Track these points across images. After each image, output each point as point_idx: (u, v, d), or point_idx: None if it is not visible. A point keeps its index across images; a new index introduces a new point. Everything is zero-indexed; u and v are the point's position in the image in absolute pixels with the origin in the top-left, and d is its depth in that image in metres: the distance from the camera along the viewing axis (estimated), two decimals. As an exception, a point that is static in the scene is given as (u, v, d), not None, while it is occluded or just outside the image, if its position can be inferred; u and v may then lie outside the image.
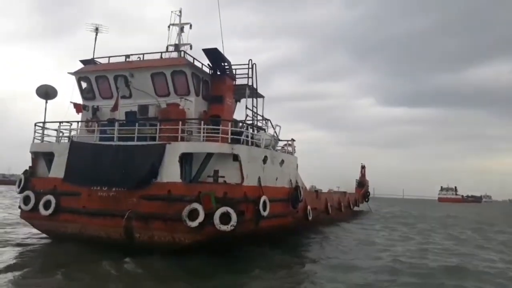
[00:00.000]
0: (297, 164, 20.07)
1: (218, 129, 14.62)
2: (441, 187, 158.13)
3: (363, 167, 48.54)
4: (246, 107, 17.53)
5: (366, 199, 45.28)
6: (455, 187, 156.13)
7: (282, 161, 17.47)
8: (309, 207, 20.59)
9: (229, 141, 14.29)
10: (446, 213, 51.17)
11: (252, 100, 17.83)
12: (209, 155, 14.53)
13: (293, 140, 20.12)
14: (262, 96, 19.59)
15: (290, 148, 19.95)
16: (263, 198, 14.71)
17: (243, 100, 18.72)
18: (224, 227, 13.17)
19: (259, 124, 18.70)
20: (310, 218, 20.50)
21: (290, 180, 18.30)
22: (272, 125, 18.65)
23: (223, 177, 14.33)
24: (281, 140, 20.09)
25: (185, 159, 14.86)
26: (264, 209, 14.73)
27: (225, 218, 13.22)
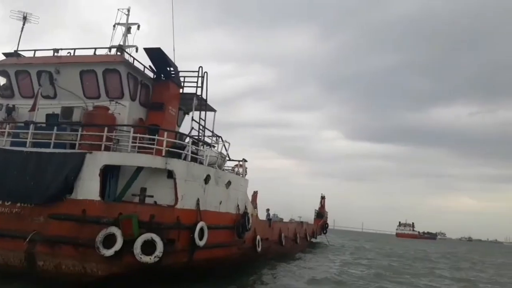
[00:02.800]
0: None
1: (154, 140, 12.47)
2: (399, 222, 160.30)
3: (323, 198, 47.00)
4: (192, 119, 15.43)
5: (324, 231, 43.44)
6: (413, 223, 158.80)
7: (229, 183, 15.34)
8: (258, 237, 18.41)
9: (164, 154, 12.04)
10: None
11: (200, 112, 15.75)
12: (139, 170, 12.23)
13: (244, 160, 18.09)
14: (213, 110, 17.59)
15: (240, 169, 17.87)
16: (201, 224, 12.49)
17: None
18: (146, 258, 10.82)
19: (209, 140, 16.60)
20: (259, 249, 18.30)
21: (238, 206, 16.15)
22: (223, 142, 16.57)
23: (152, 196, 12.02)
24: (232, 160, 18.04)
25: (111, 173, 12.53)
26: (201, 238, 12.47)
27: (149, 247, 10.90)
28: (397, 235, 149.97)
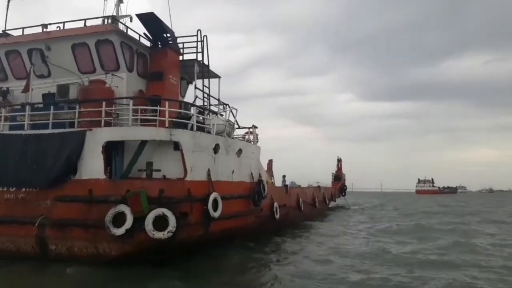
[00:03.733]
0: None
1: (156, 111, 11.80)
2: (419, 179, 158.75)
3: (339, 160, 46.29)
4: (195, 87, 14.64)
5: (343, 193, 42.99)
6: (432, 179, 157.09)
7: (240, 151, 14.67)
8: (276, 204, 17.92)
9: (167, 125, 11.34)
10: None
11: (203, 79, 14.90)
12: (143, 144, 11.61)
13: (255, 127, 17.31)
14: (217, 76, 16.71)
15: (251, 137, 17.13)
16: (214, 195, 11.94)
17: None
18: (159, 234, 10.34)
19: (215, 108, 15.85)
20: (277, 216, 17.83)
21: (252, 174, 15.53)
22: (230, 109, 15.78)
23: (159, 170, 11.43)
24: (241, 128, 17.31)
25: (115, 149, 12.00)
26: (215, 209, 11.96)
27: (161, 223, 10.41)
28: (417, 192, 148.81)
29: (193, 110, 12.44)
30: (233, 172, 13.97)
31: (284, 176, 26.36)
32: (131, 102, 11.41)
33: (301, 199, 23.70)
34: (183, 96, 16.40)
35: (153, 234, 10.29)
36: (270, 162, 28.86)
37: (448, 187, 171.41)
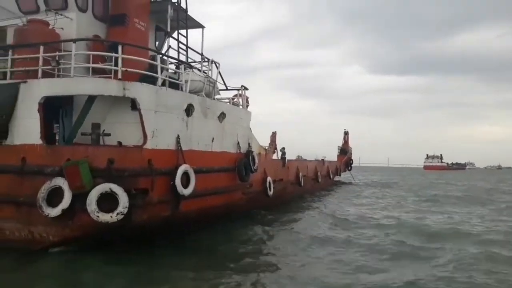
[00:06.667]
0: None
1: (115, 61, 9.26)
2: (427, 155, 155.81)
3: (346, 133, 43.58)
4: (169, 35, 12.03)
5: (349, 168, 40.55)
6: (441, 155, 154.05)
7: (223, 115, 12.20)
8: (269, 179, 15.59)
9: (120, 76, 8.80)
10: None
11: (178, 28, 12.30)
12: (91, 101, 9.17)
13: (245, 88, 14.70)
14: (200, 26, 14.05)
15: (240, 100, 14.56)
16: (184, 167, 9.61)
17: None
18: (105, 217, 8.07)
19: (194, 64, 13.28)
20: (270, 193, 15.53)
21: (238, 143, 13.13)
22: (215, 63, 13.14)
23: (109, 135, 9.00)
24: (229, 89, 14.74)
25: (63, 108, 9.64)
26: (186, 185, 9.63)
27: (110, 202, 8.10)
28: (425, 167, 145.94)
29: (159, 61, 9.84)
30: (213, 140, 11.56)
31: (283, 149, 23.85)
32: (73, 46, 8.84)
33: (301, 174, 21.38)
34: (160, 50, 13.77)
35: (98, 216, 8.01)
36: (273, 134, 26.43)
37: (456, 163, 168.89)
